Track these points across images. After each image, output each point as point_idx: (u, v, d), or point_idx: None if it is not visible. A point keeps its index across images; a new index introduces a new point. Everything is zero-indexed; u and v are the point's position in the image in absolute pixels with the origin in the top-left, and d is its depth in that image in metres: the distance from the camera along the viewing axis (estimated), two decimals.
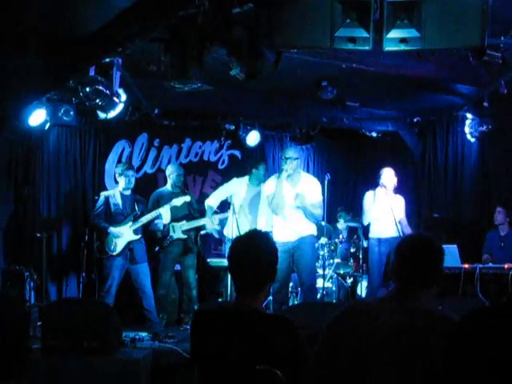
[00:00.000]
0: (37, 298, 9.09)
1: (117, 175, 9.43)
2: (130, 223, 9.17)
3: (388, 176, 9.42)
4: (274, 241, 3.61)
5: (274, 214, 8.49)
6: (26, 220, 10.17)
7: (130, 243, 9.16)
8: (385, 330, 2.95)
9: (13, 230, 9.98)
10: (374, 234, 9.60)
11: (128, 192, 9.35)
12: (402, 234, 9.08)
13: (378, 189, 9.42)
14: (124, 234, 9.15)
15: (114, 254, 9.11)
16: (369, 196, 9.54)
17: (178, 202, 9.29)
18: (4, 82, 7.23)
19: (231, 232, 9.24)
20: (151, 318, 9.16)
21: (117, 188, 9.41)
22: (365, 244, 10.17)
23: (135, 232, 9.19)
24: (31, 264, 9.36)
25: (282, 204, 8.34)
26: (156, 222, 9.43)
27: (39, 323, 7.82)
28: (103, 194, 9.44)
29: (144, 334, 8.04)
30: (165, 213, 9.36)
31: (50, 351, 6.95)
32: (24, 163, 10.17)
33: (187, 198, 9.39)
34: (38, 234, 9.47)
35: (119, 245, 9.11)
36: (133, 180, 9.36)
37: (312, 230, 8.50)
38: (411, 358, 2.82)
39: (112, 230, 9.12)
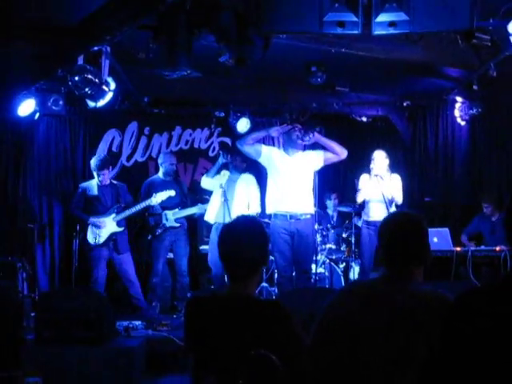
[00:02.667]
0: (30, 289, 9.10)
1: (91, 167, 9.40)
2: (114, 215, 9.20)
3: (380, 158, 9.43)
4: (263, 225, 3.60)
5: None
6: (18, 211, 10.15)
7: (113, 234, 9.19)
8: (379, 310, 2.95)
9: (4, 221, 9.97)
10: (364, 216, 9.63)
11: (106, 183, 9.36)
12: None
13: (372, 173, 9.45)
14: (107, 225, 9.18)
15: (98, 244, 9.15)
16: (364, 177, 9.55)
17: (164, 195, 9.31)
18: None
19: (220, 217, 9.24)
20: (140, 305, 9.22)
21: (95, 180, 9.37)
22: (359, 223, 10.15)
23: (118, 224, 9.21)
24: (23, 255, 9.35)
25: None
26: (155, 208, 9.49)
27: (32, 314, 7.81)
28: (80, 186, 9.48)
29: (138, 323, 8.04)
30: (154, 202, 9.33)
31: (43, 342, 6.96)
32: (14, 154, 10.15)
33: (172, 193, 9.39)
34: (30, 225, 9.45)
35: (102, 236, 9.15)
36: (106, 178, 9.35)
37: (312, 209, 8.46)
38: (407, 339, 2.83)
39: (92, 220, 9.16)
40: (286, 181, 8.26)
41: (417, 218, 3.31)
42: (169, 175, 9.77)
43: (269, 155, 8.34)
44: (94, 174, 9.29)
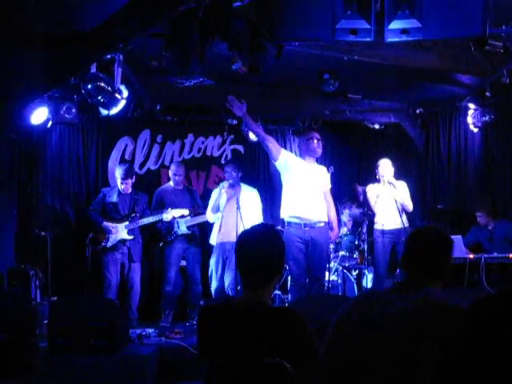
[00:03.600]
0: (43, 297, 9.10)
1: (116, 175, 9.53)
2: (127, 223, 9.25)
3: (385, 166, 9.44)
4: (280, 234, 3.60)
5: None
6: (31, 219, 10.17)
7: (123, 241, 9.25)
8: (393, 317, 2.95)
9: (18, 228, 9.99)
10: (377, 225, 9.62)
11: (127, 191, 9.44)
12: (404, 225, 9.11)
13: (376, 183, 9.47)
14: (118, 232, 9.25)
15: (107, 246, 9.27)
16: (370, 189, 9.56)
17: (177, 213, 9.35)
18: (5, 80, 7.22)
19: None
20: (129, 316, 9.20)
21: (117, 186, 9.50)
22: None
23: (129, 232, 9.26)
24: (37, 263, 9.37)
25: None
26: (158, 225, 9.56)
27: (45, 321, 7.82)
28: (103, 191, 9.68)
29: (151, 331, 8.04)
30: (167, 217, 9.35)
31: (56, 349, 6.97)
32: (27, 162, 10.17)
33: (185, 212, 9.42)
34: (43, 233, 9.46)
35: (111, 240, 9.24)
36: (129, 186, 9.50)
37: (326, 217, 8.46)
38: (419, 346, 2.82)
39: (105, 224, 9.32)
40: (302, 187, 8.24)
41: (443, 234, 3.35)
42: (179, 184, 9.81)
43: (287, 159, 8.31)
44: (118, 181, 9.40)
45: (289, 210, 8.30)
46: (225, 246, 9.23)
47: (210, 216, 9.58)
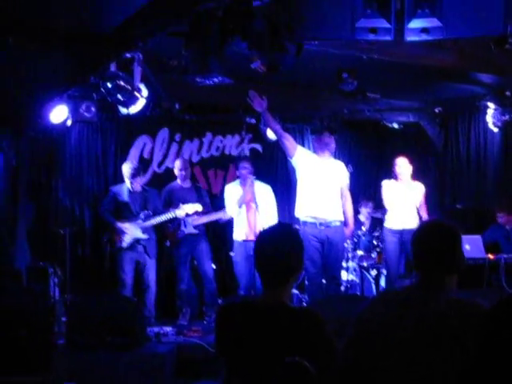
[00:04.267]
0: (61, 294, 9.14)
1: (124, 174, 9.52)
2: (140, 221, 9.25)
3: (402, 165, 9.40)
4: (299, 233, 3.59)
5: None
6: (50, 216, 10.23)
7: (138, 241, 9.28)
8: (413, 318, 2.94)
9: (36, 226, 10.05)
10: (388, 223, 9.55)
11: (138, 189, 9.44)
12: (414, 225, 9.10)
13: (393, 179, 9.44)
14: (131, 230, 9.26)
15: (123, 246, 9.27)
16: (386, 184, 9.52)
17: (190, 209, 9.34)
18: (26, 78, 7.26)
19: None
20: (146, 314, 9.18)
21: (125, 184, 9.51)
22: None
23: (143, 231, 9.26)
24: (55, 260, 9.41)
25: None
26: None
27: (64, 319, 7.85)
28: (112, 189, 9.64)
29: (169, 329, 8.06)
30: (180, 214, 9.35)
31: (75, 347, 7.01)
32: (46, 160, 10.23)
33: (199, 208, 9.41)
34: (62, 231, 9.50)
35: (125, 241, 9.25)
36: (137, 185, 9.53)
37: (342, 216, 8.45)
38: (440, 346, 2.81)
39: (119, 224, 9.28)
40: (317, 184, 8.24)
41: (449, 226, 3.30)
42: (185, 181, 9.82)
43: (302, 155, 8.32)
44: (126, 180, 9.38)
45: (304, 209, 8.30)
46: (251, 243, 9.15)
47: (233, 211, 9.53)
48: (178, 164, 9.98)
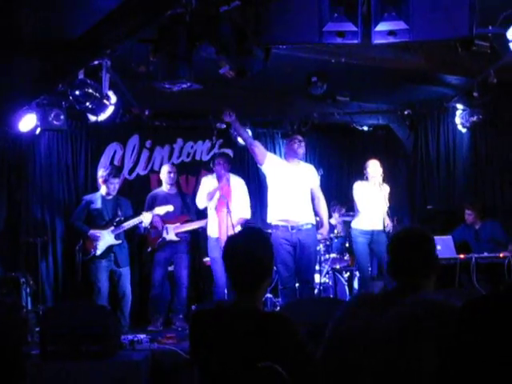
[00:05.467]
0: (34, 304, 9.07)
1: (100, 180, 9.50)
2: (112, 228, 9.22)
3: (374, 167, 9.45)
4: (268, 236, 3.60)
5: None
6: (20, 226, 10.14)
7: (111, 247, 9.23)
8: (391, 320, 2.95)
9: (7, 235, 9.96)
10: (357, 224, 9.59)
11: (110, 197, 9.40)
12: (385, 228, 9.16)
13: (365, 181, 9.49)
14: (105, 238, 9.22)
15: (96, 254, 9.21)
16: (358, 185, 9.57)
17: (161, 210, 9.32)
18: None
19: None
20: (122, 322, 9.17)
21: (99, 192, 9.49)
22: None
23: (116, 237, 9.24)
24: (27, 270, 9.34)
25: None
26: (138, 225, 9.47)
27: (37, 329, 7.79)
28: (84, 198, 9.58)
29: (143, 336, 8.01)
30: (146, 218, 9.33)
31: (49, 357, 6.94)
32: (15, 169, 10.15)
33: (170, 208, 9.40)
34: (33, 240, 9.44)
35: (99, 248, 9.19)
36: (117, 187, 9.47)
37: (313, 219, 8.49)
38: (418, 347, 2.82)
39: (91, 232, 9.23)
40: (286, 189, 8.28)
41: (421, 231, 3.36)
42: (171, 185, 9.79)
43: (272, 162, 8.37)
44: (103, 185, 9.38)
45: (275, 214, 8.34)
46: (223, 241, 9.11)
47: (201, 202, 9.54)
48: (166, 168, 9.97)
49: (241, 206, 9.43)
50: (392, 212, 9.49)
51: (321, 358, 3.15)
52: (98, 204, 9.38)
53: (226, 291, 9.08)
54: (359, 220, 9.55)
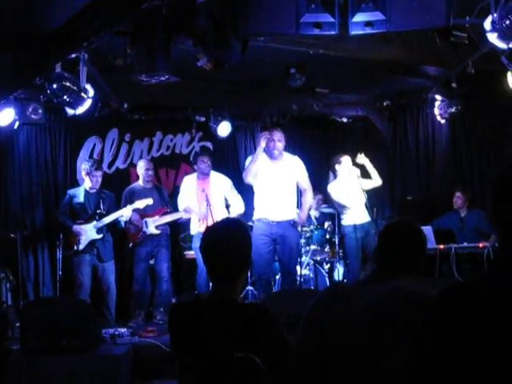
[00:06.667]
0: (14, 299, 9.04)
1: (83, 173, 9.49)
2: (94, 222, 9.21)
3: (348, 162, 9.56)
4: (246, 227, 3.60)
5: (247, 181, 8.50)
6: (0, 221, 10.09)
7: (93, 242, 9.21)
8: (361, 309, 2.96)
9: None
10: (348, 221, 9.65)
11: (94, 190, 9.39)
12: (372, 218, 9.22)
13: (335, 180, 9.59)
14: (87, 232, 9.21)
15: (79, 249, 9.20)
16: (333, 187, 9.65)
17: (141, 204, 9.31)
18: None
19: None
20: (108, 317, 9.24)
21: (83, 186, 9.50)
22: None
23: (98, 231, 9.22)
24: (7, 265, 9.30)
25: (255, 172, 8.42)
26: (118, 219, 9.45)
27: (18, 324, 7.76)
28: (68, 193, 9.56)
29: (123, 330, 8.00)
30: (127, 212, 9.32)
31: (29, 352, 6.92)
32: None
33: (149, 201, 9.39)
34: (12, 234, 9.40)
35: (82, 243, 9.19)
36: (100, 180, 9.43)
37: (295, 214, 8.52)
38: (388, 335, 2.83)
39: (75, 227, 9.23)
40: (267, 188, 8.31)
41: (417, 228, 3.41)
42: (148, 181, 9.78)
43: (251, 172, 8.40)
44: (87, 178, 9.36)
45: (257, 212, 8.38)
46: None
47: (183, 204, 9.66)
48: (142, 164, 9.96)
49: (234, 202, 9.65)
50: (371, 203, 9.54)
51: (295, 347, 3.15)
52: (81, 198, 9.37)
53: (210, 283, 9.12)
54: (349, 216, 9.62)
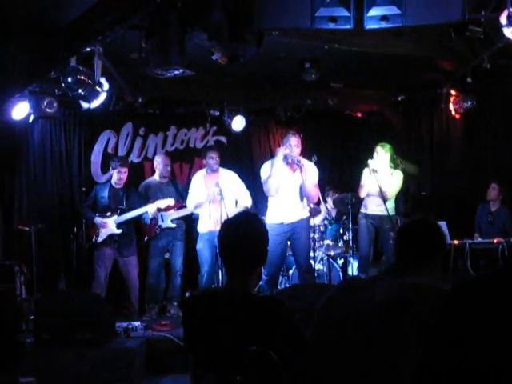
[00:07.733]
0: (28, 292, 9.06)
1: (110, 168, 9.55)
2: (115, 217, 9.25)
3: (380, 153, 9.44)
4: (263, 222, 3.59)
5: (269, 195, 8.48)
6: (14, 214, 10.11)
7: (113, 236, 9.26)
8: (375, 303, 2.96)
9: (1, 225, 9.93)
10: (362, 209, 9.61)
11: (119, 186, 9.45)
12: (388, 213, 9.10)
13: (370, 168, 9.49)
14: (108, 226, 9.29)
15: (98, 241, 9.30)
16: (365, 171, 9.55)
17: (163, 204, 9.32)
18: None
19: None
20: (131, 311, 9.30)
21: (112, 180, 9.58)
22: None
23: (118, 226, 9.28)
24: (21, 258, 9.33)
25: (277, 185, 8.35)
26: (144, 216, 9.47)
27: (32, 317, 7.79)
28: (95, 187, 9.73)
29: (137, 324, 8.03)
30: (151, 209, 9.33)
31: (42, 344, 6.95)
32: (9, 157, 10.11)
33: (171, 202, 9.40)
34: (27, 228, 9.42)
35: (101, 235, 9.29)
36: (125, 176, 9.49)
37: (307, 212, 8.52)
38: (403, 331, 2.83)
39: (97, 219, 9.31)
40: (282, 191, 8.30)
41: (437, 227, 3.39)
42: (164, 176, 9.79)
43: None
44: (115, 173, 9.44)
45: (272, 217, 8.39)
46: (215, 233, 9.11)
47: (192, 202, 9.56)
48: (160, 159, 9.97)
49: (233, 201, 9.53)
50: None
51: (309, 341, 3.15)
52: (106, 192, 9.47)
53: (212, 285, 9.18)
54: (364, 204, 9.57)
